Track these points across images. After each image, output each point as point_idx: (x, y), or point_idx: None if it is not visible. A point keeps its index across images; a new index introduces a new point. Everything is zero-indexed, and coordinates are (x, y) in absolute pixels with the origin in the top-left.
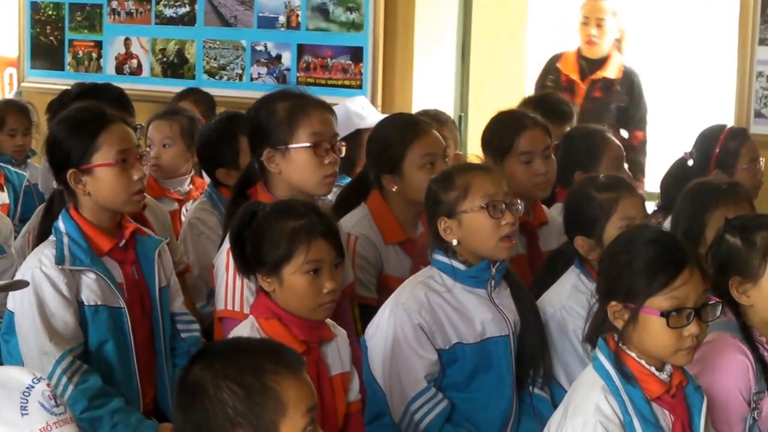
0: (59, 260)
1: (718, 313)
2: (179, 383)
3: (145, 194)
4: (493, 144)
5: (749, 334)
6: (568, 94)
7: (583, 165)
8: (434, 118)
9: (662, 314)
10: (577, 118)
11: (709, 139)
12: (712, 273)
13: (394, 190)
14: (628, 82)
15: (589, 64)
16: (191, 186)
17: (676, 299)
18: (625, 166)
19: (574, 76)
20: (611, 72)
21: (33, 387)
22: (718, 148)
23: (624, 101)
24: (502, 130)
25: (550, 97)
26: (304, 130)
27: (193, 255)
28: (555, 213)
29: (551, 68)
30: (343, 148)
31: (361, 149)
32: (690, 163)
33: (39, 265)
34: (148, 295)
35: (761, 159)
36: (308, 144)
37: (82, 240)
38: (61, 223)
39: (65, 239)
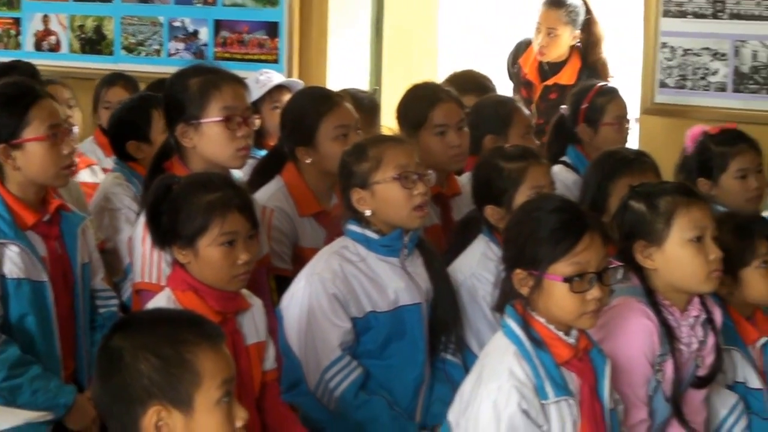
0: None
1: (620, 277)
2: (99, 351)
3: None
4: (408, 117)
5: (653, 298)
6: (526, 91)
7: (493, 131)
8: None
9: (565, 279)
10: (533, 116)
11: (579, 94)
12: (617, 239)
13: (308, 162)
14: None
15: (550, 66)
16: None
17: (578, 264)
18: None
19: (532, 77)
20: (566, 78)
21: None
22: (587, 103)
23: None
24: (417, 103)
25: (473, 73)
26: (216, 104)
27: (108, 229)
28: (465, 181)
29: (516, 58)
30: (257, 121)
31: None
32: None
33: None
34: (71, 271)
35: (629, 118)
36: (220, 118)
37: (6, 213)
38: None
39: None
